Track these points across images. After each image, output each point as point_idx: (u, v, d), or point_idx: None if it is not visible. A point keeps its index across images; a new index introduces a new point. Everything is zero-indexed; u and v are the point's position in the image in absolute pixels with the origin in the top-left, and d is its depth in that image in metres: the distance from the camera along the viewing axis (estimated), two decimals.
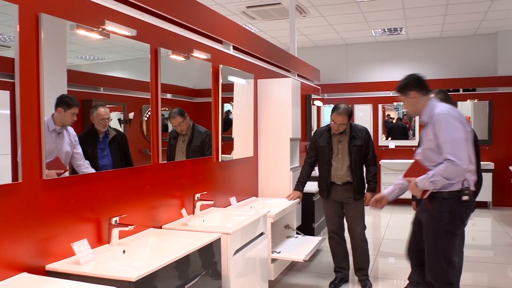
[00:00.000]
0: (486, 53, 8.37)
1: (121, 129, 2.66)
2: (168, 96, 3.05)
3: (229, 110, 3.97)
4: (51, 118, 2.10)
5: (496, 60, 8.22)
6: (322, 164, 3.98)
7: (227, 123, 3.92)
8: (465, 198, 2.71)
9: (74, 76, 2.18)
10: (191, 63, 3.25)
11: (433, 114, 2.76)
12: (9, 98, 1.83)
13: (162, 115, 2.94)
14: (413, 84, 2.89)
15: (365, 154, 3.91)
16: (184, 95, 3.38)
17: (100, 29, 2.36)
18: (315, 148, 4.04)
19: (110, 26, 2.36)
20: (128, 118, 2.71)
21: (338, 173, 3.91)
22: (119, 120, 2.56)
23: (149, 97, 2.82)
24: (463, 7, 6.75)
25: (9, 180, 1.86)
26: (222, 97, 3.74)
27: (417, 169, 2.83)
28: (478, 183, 3.01)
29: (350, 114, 3.81)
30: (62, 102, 2.16)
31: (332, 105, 8.83)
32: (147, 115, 2.82)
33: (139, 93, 2.78)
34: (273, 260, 3.74)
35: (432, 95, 2.94)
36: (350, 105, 3.87)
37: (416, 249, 3.01)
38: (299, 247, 4.11)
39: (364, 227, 4.03)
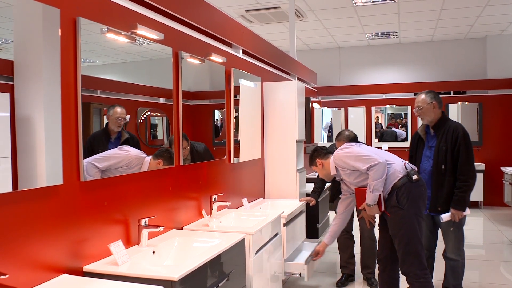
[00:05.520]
0: (476, 57, 8.59)
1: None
2: (161, 100, 3.02)
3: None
4: None
5: (486, 64, 8.43)
6: None
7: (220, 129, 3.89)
8: (415, 177, 2.99)
9: None
10: (186, 65, 3.12)
11: (334, 167, 3.26)
12: (9, 101, 1.75)
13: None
14: (316, 155, 3.40)
15: None
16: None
17: (130, 32, 2.39)
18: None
19: (141, 30, 2.40)
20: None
21: None
22: None
23: (143, 100, 2.84)
24: (456, 12, 6.93)
25: (53, 182, 1.88)
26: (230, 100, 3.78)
27: (361, 195, 3.10)
28: None
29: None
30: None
31: (326, 108, 8.91)
32: (142, 118, 2.84)
33: (134, 96, 2.79)
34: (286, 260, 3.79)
35: (331, 157, 3.32)
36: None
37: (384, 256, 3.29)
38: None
39: (374, 226, 4.12)
